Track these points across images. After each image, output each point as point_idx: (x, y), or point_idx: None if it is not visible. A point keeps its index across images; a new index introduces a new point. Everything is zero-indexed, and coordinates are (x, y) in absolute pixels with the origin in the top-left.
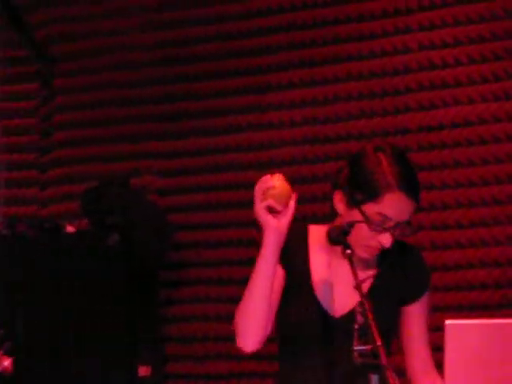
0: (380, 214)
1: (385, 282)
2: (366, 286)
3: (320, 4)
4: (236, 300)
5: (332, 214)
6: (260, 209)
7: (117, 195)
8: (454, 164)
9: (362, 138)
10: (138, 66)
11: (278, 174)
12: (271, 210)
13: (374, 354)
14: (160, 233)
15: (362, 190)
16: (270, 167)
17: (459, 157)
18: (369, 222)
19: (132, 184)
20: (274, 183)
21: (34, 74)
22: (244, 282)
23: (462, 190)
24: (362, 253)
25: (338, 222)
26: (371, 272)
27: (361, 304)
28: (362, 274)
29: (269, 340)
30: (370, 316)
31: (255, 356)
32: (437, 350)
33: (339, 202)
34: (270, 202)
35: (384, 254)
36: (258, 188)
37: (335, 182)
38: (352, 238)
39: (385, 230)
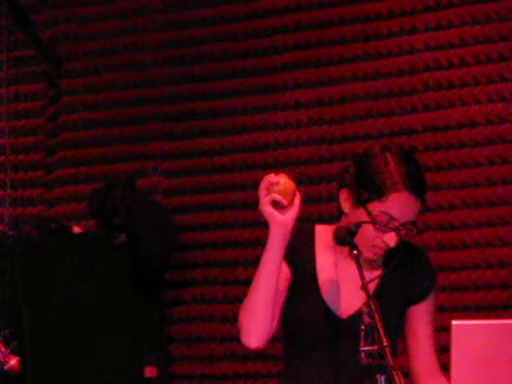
0: (385, 213)
1: (391, 282)
2: (372, 287)
3: (326, 4)
4: (242, 301)
5: (338, 214)
6: (264, 203)
7: (123, 196)
8: (459, 164)
9: (367, 138)
10: (144, 67)
11: (282, 173)
12: (276, 206)
13: (381, 355)
14: (166, 233)
15: (369, 188)
16: (276, 168)
17: (465, 157)
18: (374, 221)
19: (138, 184)
20: (279, 180)
21: (40, 74)
22: (250, 282)
23: (468, 190)
24: (367, 253)
25: (343, 221)
26: (377, 273)
27: (367, 305)
28: (368, 275)
29: (274, 340)
30: (377, 316)
31: (261, 356)
32: (443, 350)
33: (345, 200)
34: (275, 195)
35: (390, 255)
36: (263, 185)
37: (341, 181)
38: (357, 238)
39: (390, 229)
